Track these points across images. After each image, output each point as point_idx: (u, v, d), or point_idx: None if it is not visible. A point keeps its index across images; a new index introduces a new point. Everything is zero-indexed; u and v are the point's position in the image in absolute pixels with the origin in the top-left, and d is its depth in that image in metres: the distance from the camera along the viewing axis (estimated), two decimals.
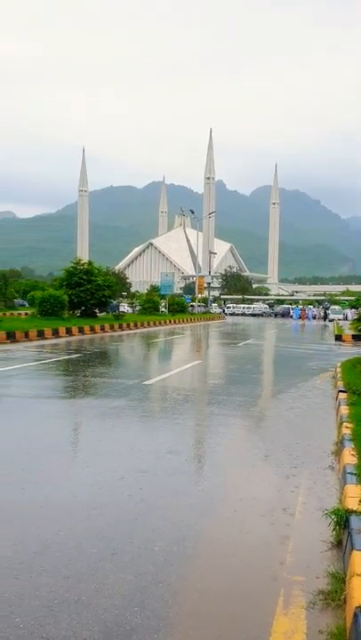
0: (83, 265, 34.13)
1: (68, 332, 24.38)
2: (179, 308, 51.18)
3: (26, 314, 36.91)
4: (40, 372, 12.68)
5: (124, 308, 47.60)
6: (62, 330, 23.95)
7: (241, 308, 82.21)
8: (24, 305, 54.39)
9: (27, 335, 21.06)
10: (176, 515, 4.39)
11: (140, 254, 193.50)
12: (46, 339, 21.89)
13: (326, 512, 4.12)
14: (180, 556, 3.69)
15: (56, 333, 23.19)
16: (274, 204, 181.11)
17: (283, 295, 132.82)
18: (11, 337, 20.01)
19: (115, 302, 39.11)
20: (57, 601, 3.06)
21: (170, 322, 39.72)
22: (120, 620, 2.90)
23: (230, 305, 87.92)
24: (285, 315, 70.92)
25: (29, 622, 2.85)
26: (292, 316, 67.07)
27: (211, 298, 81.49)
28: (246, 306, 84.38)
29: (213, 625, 2.94)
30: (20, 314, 39.00)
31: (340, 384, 10.40)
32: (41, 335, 21.93)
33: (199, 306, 63.65)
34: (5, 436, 6.88)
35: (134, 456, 6.02)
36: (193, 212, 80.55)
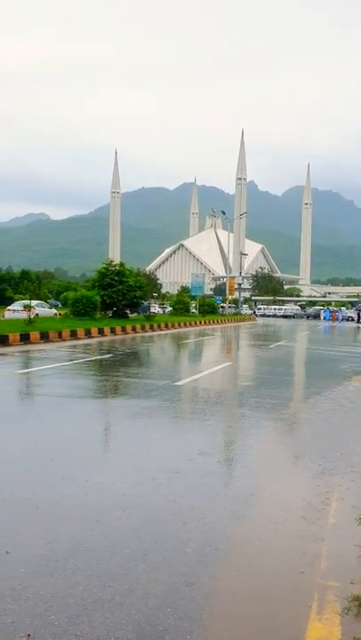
0: (115, 266, 34.43)
1: (100, 332, 24.59)
2: (209, 309, 51.09)
3: (59, 314, 37.42)
4: (73, 372, 12.83)
5: (155, 308, 47.81)
6: (94, 330, 24.17)
7: (272, 309, 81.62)
8: (57, 305, 55.14)
9: (60, 335, 21.34)
10: (208, 516, 4.38)
11: (170, 255, 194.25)
12: (79, 339, 22.13)
13: None
14: (212, 558, 3.68)
15: (88, 334, 23.43)
16: (306, 204, 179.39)
17: (315, 297, 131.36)
18: (44, 337, 20.31)
19: (146, 303, 39.27)
20: (91, 600, 3.09)
21: (200, 323, 39.69)
22: (153, 621, 2.91)
23: (261, 306, 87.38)
24: (317, 316, 70.52)
25: (64, 620, 2.89)
26: (323, 318, 66.75)
27: (241, 299, 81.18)
28: (277, 307, 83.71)
29: (246, 628, 2.93)
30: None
31: None
32: (74, 335, 22.19)
33: (230, 307, 63.42)
34: (39, 435, 6.98)
35: (166, 457, 6.04)
36: (224, 213, 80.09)
